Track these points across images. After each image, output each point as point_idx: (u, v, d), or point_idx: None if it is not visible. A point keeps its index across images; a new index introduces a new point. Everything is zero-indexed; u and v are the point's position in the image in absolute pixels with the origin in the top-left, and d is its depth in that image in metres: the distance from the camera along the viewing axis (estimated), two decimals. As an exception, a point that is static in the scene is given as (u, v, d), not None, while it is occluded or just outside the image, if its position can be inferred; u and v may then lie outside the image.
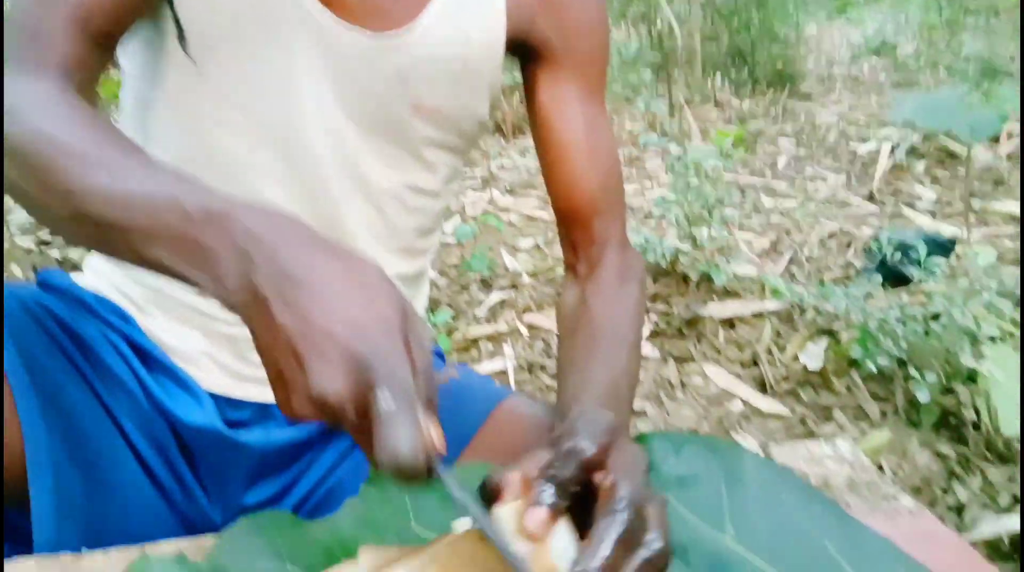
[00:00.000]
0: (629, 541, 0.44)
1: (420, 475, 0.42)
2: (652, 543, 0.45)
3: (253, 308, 0.46)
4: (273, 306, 0.45)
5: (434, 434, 0.45)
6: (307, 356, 0.43)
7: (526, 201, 3.11)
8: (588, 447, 0.47)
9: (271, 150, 0.72)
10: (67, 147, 0.54)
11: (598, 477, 0.47)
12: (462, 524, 0.48)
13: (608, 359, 0.69)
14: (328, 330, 0.44)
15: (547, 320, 2.09)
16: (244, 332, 0.79)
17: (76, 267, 1.75)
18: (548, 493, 0.45)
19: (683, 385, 1.73)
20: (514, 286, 2.32)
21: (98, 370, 0.72)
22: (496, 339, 2.03)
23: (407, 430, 0.41)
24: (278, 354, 0.45)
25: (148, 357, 0.76)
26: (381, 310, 0.45)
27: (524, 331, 2.06)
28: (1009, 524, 1.16)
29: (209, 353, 0.77)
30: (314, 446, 0.81)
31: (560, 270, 2.40)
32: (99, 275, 0.81)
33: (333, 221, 0.76)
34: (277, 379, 0.46)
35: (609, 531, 0.43)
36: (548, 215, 2.89)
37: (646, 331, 1.95)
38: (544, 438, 0.62)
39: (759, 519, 0.58)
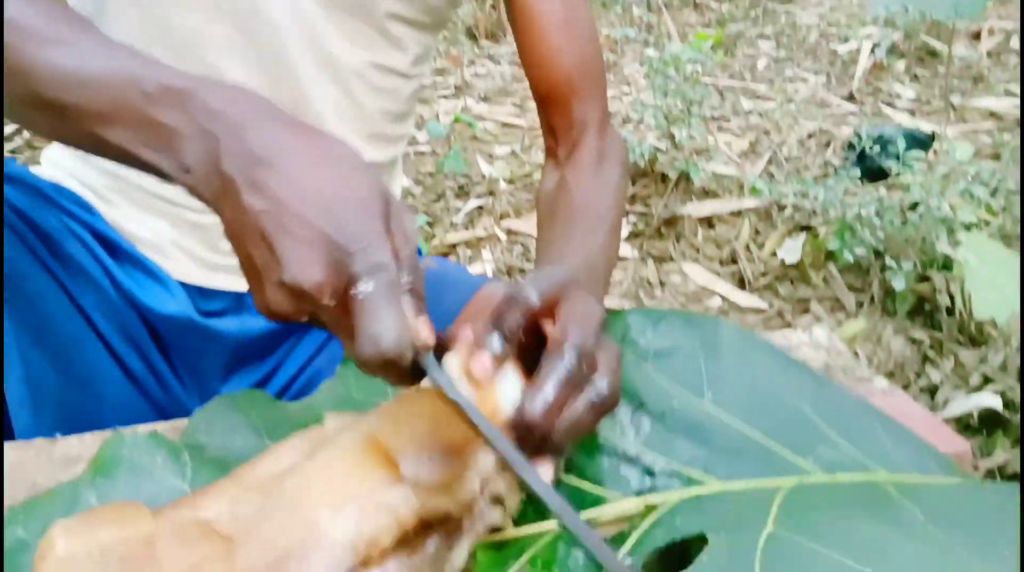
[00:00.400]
0: (575, 383, 0.43)
1: (404, 368, 0.41)
2: (599, 385, 0.44)
3: (220, 193, 0.44)
4: (241, 189, 0.42)
5: (421, 326, 0.43)
6: (279, 242, 0.41)
7: (501, 108, 3.04)
8: (531, 294, 0.46)
9: (229, 23, 0.69)
10: (17, 23, 0.51)
11: (548, 327, 0.46)
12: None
13: (585, 238, 0.68)
14: (301, 214, 0.41)
15: (526, 225, 2.08)
16: (214, 220, 0.77)
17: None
18: (493, 339, 0.44)
19: (662, 284, 1.74)
20: (491, 193, 2.29)
21: (61, 260, 0.70)
22: (474, 245, 2.02)
23: (390, 317, 0.39)
24: (248, 241, 0.43)
25: (113, 247, 0.74)
26: (359, 192, 0.43)
27: (502, 236, 2.05)
28: (979, 402, 1.19)
29: (178, 242, 0.75)
30: (292, 336, 0.81)
31: (537, 175, 2.37)
32: (57, 166, 0.78)
33: (298, 102, 0.73)
34: (249, 269, 0.44)
35: (553, 373, 0.43)
36: (525, 122, 2.83)
37: (625, 231, 1.94)
38: None
39: (737, 385, 0.58)
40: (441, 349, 0.47)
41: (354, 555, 0.39)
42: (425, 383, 0.46)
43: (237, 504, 0.42)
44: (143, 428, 0.57)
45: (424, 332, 0.42)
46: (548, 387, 0.43)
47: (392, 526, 0.39)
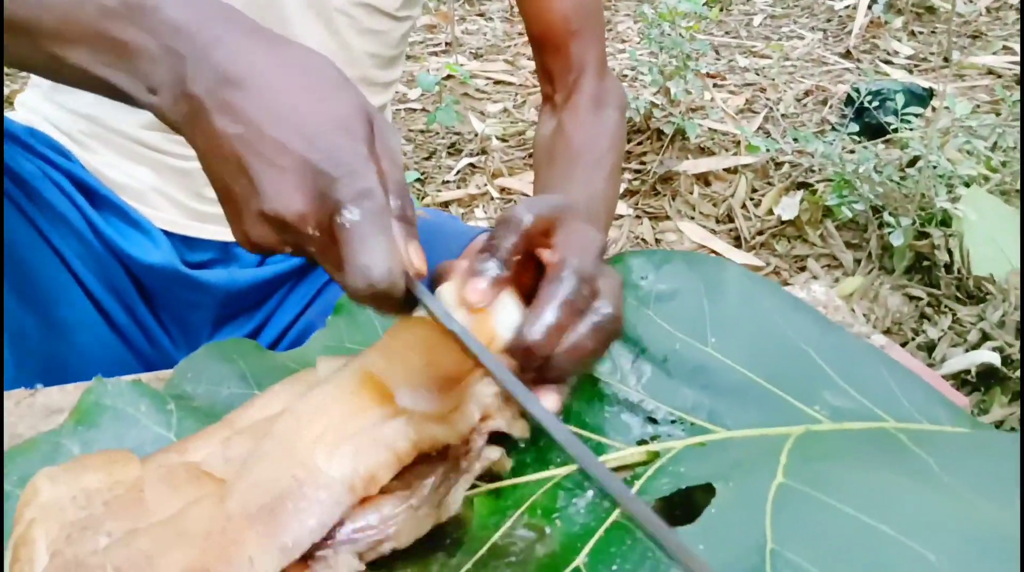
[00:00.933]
0: (576, 307, 0.41)
1: (396, 298, 0.38)
2: (601, 309, 0.42)
3: (190, 117, 0.40)
4: (212, 113, 0.39)
5: (412, 253, 0.40)
6: (256, 170, 0.38)
7: (493, 65, 2.99)
8: (526, 216, 0.43)
9: None
10: None
11: (546, 254, 0.44)
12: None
13: (584, 182, 0.66)
14: (278, 138, 0.38)
15: (519, 183, 2.05)
16: (197, 166, 0.75)
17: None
18: (488, 264, 0.42)
19: (657, 242, 1.72)
20: (483, 151, 2.25)
21: (40, 207, 0.68)
22: (467, 203, 1.99)
23: (379, 246, 0.36)
24: (224, 171, 0.40)
25: (93, 195, 0.71)
26: (339, 110, 0.40)
27: (495, 194, 2.02)
28: (975, 359, 1.18)
29: (160, 190, 0.73)
30: (282, 287, 0.78)
31: (531, 132, 2.33)
32: (32, 111, 0.75)
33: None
34: (227, 200, 0.41)
35: (554, 297, 0.41)
36: (517, 79, 2.78)
37: (620, 187, 1.91)
38: None
39: (741, 329, 0.56)
40: (436, 284, 0.45)
41: (352, 494, 0.37)
42: (419, 313, 0.44)
43: (229, 447, 0.41)
44: (126, 377, 0.55)
45: (416, 260, 0.40)
46: (548, 310, 0.40)
47: (390, 461, 0.38)
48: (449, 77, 2.67)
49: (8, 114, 0.75)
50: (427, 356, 0.42)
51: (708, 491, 0.43)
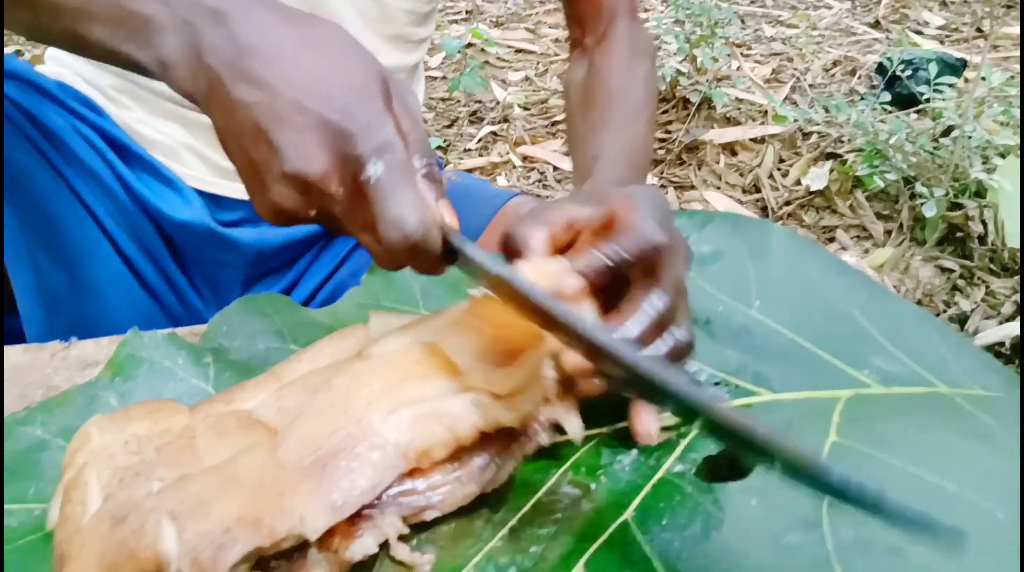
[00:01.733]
0: (658, 327, 0.41)
1: (433, 251, 0.38)
2: (678, 334, 0.41)
3: (206, 89, 0.40)
4: (228, 83, 0.39)
5: (443, 209, 0.40)
6: (276, 133, 0.37)
7: (514, 34, 2.95)
8: (653, 233, 0.40)
9: None
10: None
11: (634, 272, 0.42)
12: (479, 294, 0.44)
13: (624, 126, 0.64)
14: (296, 100, 0.38)
15: (542, 151, 2.02)
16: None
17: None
18: (590, 262, 0.40)
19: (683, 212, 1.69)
20: (505, 119, 2.23)
21: (71, 163, 0.67)
22: (489, 171, 1.97)
23: (408, 197, 0.36)
24: (244, 139, 0.39)
25: (124, 150, 0.70)
26: (354, 73, 0.39)
27: (518, 162, 2.00)
28: (1010, 331, 1.16)
29: (192, 147, 0.72)
30: (312, 247, 0.78)
31: (554, 101, 2.30)
32: (63, 65, 0.74)
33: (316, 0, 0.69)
34: (248, 171, 0.40)
35: (642, 312, 0.40)
36: (539, 47, 2.75)
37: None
38: None
39: (785, 291, 0.55)
40: (511, 254, 0.43)
41: (405, 460, 0.36)
42: (479, 293, 0.42)
43: (282, 397, 0.41)
44: (162, 331, 0.54)
45: (448, 216, 0.39)
46: (632, 324, 0.39)
47: (448, 441, 0.37)
48: (470, 46, 2.64)
49: (38, 68, 0.74)
50: (495, 333, 0.41)
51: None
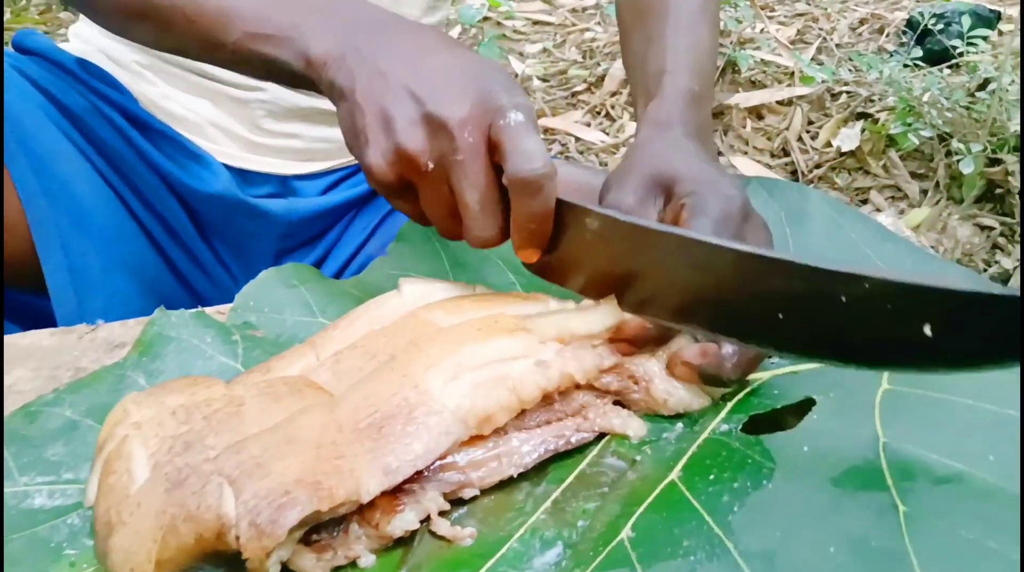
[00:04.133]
0: None
1: (554, 188, 0.40)
2: None
3: (353, 58, 0.44)
4: (380, 56, 0.43)
5: None
6: (422, 84, 0.41)
7: (530, 6, 2.90)
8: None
9: None
10: None
11: None
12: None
13: (687, 30, 0.58)
14: (444, 64, 0.42)
15: (563, 123, 1.99)
16: (256, 96, 0.72)
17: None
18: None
19: (709, 178, 1.66)
20: (525, 91, 2.19)
21: (94, 144, 0.66)
22: (511, 145, 1.94)
23: (539, 140, 0.39)
24: (386, 94, 0.42)
25: (148, 129, 0.69)
26: (485, 62, 0.43)
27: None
28: (1056, 289, 1.12)
29: (217, 122, 0.71)
30: (342, 218, 0.76)
31: (573, 71, 2.26)
32: (86, 42, 0.72)
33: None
34: (375, 121, 0.42)
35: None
36: (555, 19, 2.70)
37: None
38: (588, 196, 0.58)
39: (828, 257, 0.53)
40: None
41: (464, 427, 0.35)
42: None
43: (340, 361, 0.40)
44: (189, 310, 0.53)
45: None
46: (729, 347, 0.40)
47: (511, 405, 0.37)
48: (486, 19, 2.60)
49: (61, 45, 0.73)
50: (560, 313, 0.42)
51: (800, 413, 0.40)
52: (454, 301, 0.43)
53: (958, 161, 1.35)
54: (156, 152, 0.70)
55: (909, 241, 0.58)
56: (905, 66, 1.71)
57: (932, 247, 1.30)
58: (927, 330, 0.30)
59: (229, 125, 0.72)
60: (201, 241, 0.72)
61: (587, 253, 0.41)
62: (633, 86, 0.60)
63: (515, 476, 0.37)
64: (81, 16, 0.75)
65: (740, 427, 0.38)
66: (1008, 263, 1.22)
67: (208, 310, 0.55)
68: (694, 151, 0.46)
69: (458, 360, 0.37)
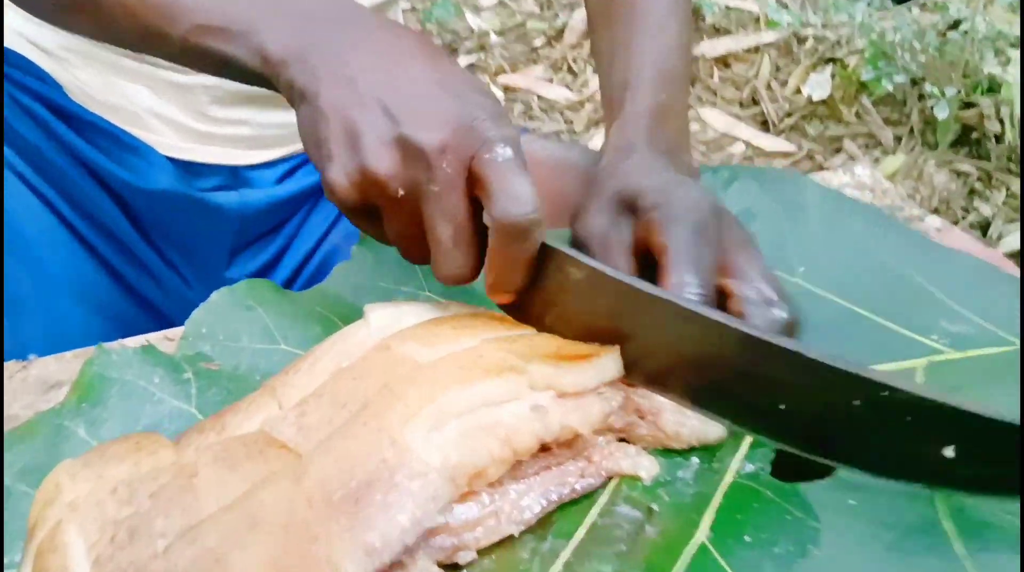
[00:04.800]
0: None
1: (541, 235, 0.36)
2: (777, 314, 0.39)
3: (319, 60, 0.39)
4: (348, 60, 0.39)
5: None
6: (398, 102, 0.37)
7: (483, -46, 2.79)
8: (696, 259, 0.38)
9: None
10: None
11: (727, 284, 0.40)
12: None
13: (653, 36, 0.55)
14: (424, 78, 0.38)
15: (524, 80, 1.92)
16: (200, 81, 0.65)
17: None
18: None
19: (678, 133, 1.61)
20: (482, 48, 2.11)
21: (11, 142, 0.59)
22: (471, 105, 1.87)
23: (528, 180, 0.36)
24: (352, 108, 0.38)
25: (77, 122, 0.63)
26: (467, 77, 0.40)
27: (500, 94, 1.90)
28: (1037, 235, 1.11)
29: (158, 111, 0.64)
30: (300, 208, 0.71)
31: (531, 24, 2.18)
32: (7, 29, 0.64)
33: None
34: (341, 136, 0.38)
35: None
36: (510, -33, 2.60)
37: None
38: (570, 181, 0.55)
39: (831, 254, 0.49)
40: None
41: (453, 487, 0.31)
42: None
43: (305, 413, 0.35)
44: (133, 341, 0.48)
45: None
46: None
47: (505, 457, 0.32)
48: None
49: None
50: (553, 341, 0.37)
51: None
52: (428, 328, 0.38)
53: (932, 106, 1.32)
54: (88, 147, 0.63)
55: (914, 231, 0.55)
56: (870, 5, 1.67)
57: (909, 195, 1.27)
58: (949, 452, 0.28)
59: (170, 113, 0.65)
60: (146, 245, 0.66)
61: (567, 302, 0.38)
62: (601, 90, 0.57)
63: (516, 535, 0.33)
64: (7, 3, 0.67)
65: (768, 468, 0.34)
66: (987, 210, 1.20)
67: (154, 337, 0.50)
68: (659, 166, 0.44)
69: (439, 407, 0.32)
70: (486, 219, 0.36)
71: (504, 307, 0.40)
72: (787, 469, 0.34)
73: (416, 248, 0.39)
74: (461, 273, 0.38)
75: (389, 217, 0.38)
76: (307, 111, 0.39)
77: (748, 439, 0.36)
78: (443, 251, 0.37)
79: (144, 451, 0.34)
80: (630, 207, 0.42)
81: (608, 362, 0.36)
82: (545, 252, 0.37)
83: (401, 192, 0.37)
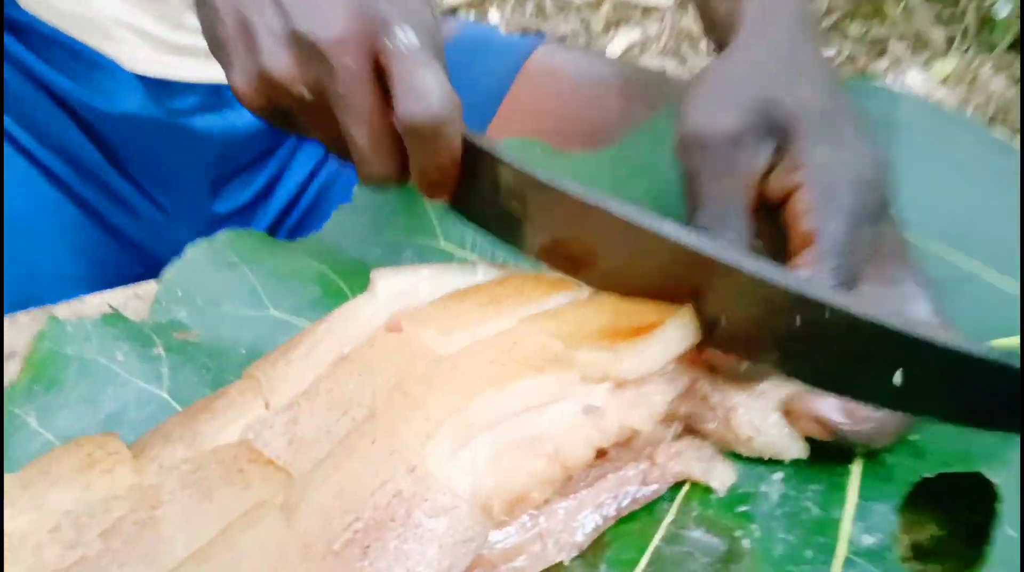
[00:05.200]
0: None
1: (458, 132, 0.32)
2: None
3: None
4: None
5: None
6: None
7: None
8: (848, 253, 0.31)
9: None
10: None
11: None
12: None
13: None
14: None
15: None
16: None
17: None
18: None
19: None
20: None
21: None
22: (478, 5, 1.74)
23: (437, 69, 0.31)
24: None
25: (32, 35, 0.54)
26: None
27: (513, -10, 1.76)
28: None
29: (125, 20, 0.55)
30: (291, 135, 0.63)
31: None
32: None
33: None
34: (236, 34, 0.34)
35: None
36: None
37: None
38: (597, 99, 0.51)
39: (934, 191, 0.41)
40: None
41: (486, 518, 0.25)
42: None
43: (297, 419, 0.28)
44: (92, 299, 0.41)
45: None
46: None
47: (552, 476, 0.26)
48: None
49: None
50: (609, 304, 0.30)
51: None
52: (449, 305, 0.31)
53: (990, 4, 1.20)
54: (44, 66, 0.55)
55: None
56: None
57: (960, 103, 1.17)
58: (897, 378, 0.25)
59: (141, 23, 0.56)
60: (117, 174, 0.58)
61: (509, 210, 0.32)
62: (703, 18, 0.46)
63: (566, 562, 0.27)
64: None
65: (889, 539, 0.27)
66: (1050, 121, 1.10)
67: (122, 293, 0.42)
68: (816, 68, 0.35)
69: (467, 418, 0.25)
70: (395, 121, 0.32)
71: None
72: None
73: (344, 151, 0.34)
74: (384, 174, 0.34)
75: (304, 124, 0.35)
76: (204, 12, 0.36)
77: (859, 464, 0.29)
78: (361, 155, 0.33)
79: (97, 468, 0.27)
80: (778, 131, 0.33)
81: (677, 330, 0.28)
82: (474, 152, 0.32)
83: (306, 94, 0.33)
